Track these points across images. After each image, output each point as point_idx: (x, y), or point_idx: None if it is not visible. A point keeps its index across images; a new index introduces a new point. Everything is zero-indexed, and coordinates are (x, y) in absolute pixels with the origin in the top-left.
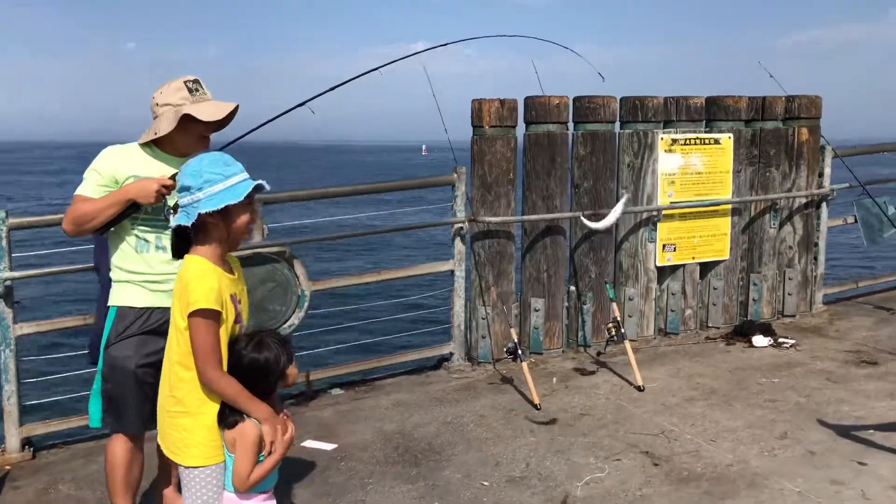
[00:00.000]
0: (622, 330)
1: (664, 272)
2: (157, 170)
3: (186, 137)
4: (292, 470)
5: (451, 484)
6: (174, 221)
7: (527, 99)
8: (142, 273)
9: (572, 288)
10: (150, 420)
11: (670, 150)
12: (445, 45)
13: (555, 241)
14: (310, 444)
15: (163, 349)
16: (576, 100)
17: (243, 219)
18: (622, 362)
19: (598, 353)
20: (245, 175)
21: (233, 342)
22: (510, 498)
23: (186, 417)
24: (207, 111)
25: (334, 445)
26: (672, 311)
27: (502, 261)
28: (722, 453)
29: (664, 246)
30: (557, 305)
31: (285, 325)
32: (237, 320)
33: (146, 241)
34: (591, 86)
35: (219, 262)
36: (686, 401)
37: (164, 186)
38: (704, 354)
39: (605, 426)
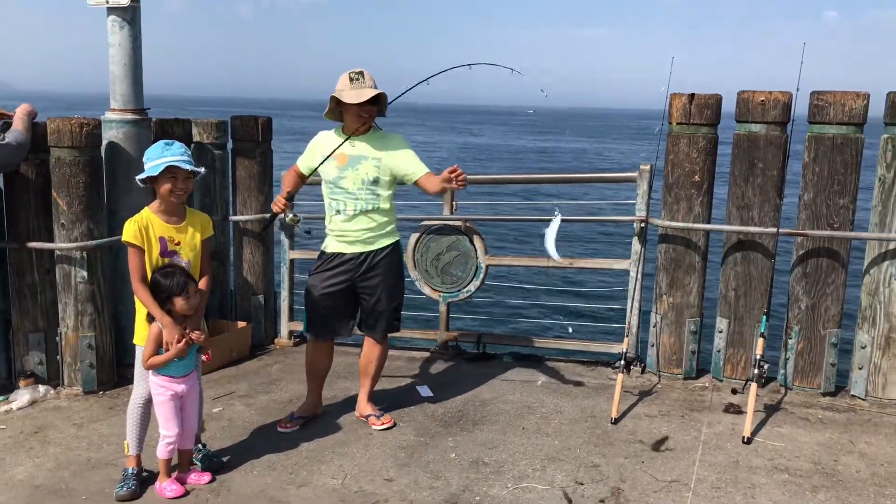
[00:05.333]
0: (756, 370)
1: None
2: (335, 146)
3: (348, 118)
4: (384, 396)
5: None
6: None
7: (738, 94)
8: (331, 229)
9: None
10: (335, 331)
11: None
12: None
13: (747, 258)
14: (420, 388)
15: (340, 282)
16: (810, 96)
17: (166, 187)
18: (800, 414)
19: (779, 401)
20: (173, 158)
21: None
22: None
23: (137, 312)
24: (349, 96)
25: (431, 395)
26: None
27: (678, 269)
28: None
29: None
30: (745, 332)
31: (464, 290)
32: (164, 254)
33: (331, 206)
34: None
35: (160, 213)
36: (784, 474)
37: (280, 202)
38: None
39: (648, 458)
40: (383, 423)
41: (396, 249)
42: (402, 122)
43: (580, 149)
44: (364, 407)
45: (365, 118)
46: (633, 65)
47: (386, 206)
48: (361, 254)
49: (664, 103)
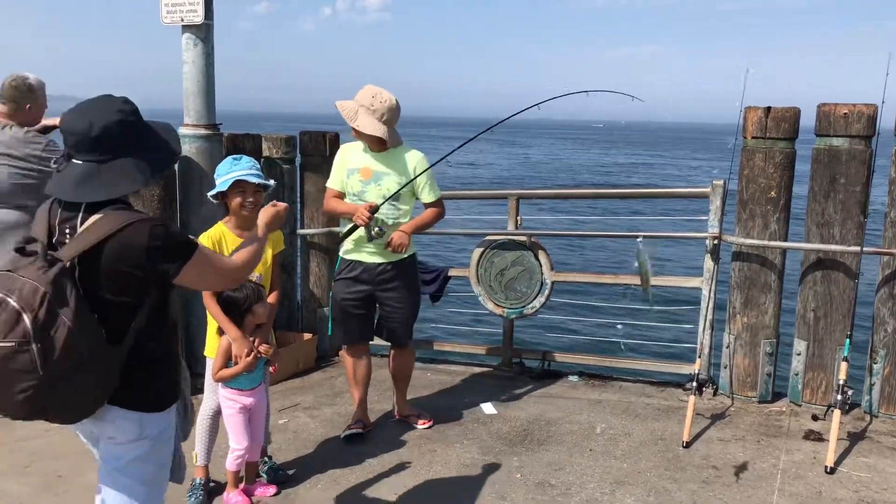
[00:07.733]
0: (840, 396)
1: None
2: (364, 161)
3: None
4: (447, 411)
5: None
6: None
7: (818, 107)
8: (352, 238)
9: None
10: (363, 335)
11: None
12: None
13: (828, 278)
14: (483, 405)
15: (360, 290)
16: None
17: (236, 201)
18: (887, 443)
19: (864, 428)
20: (241, 172)
21: None
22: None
23: (208, 324)
24: (363, 124)
25: (495, 412)
26: None
27: (752, 288)
28: None
29: None
30: (826, 354)
31: (528, 307)
32: None
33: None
34: None
35: (232, 228)
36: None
37: (364, 215)
38: None
39: (722, 485)
40: (423, 423)
41: (413, 261)
42: (460, 136)
43: (648, 163)
44: (403, 407)
45: (379, 141)
46: (694, 79)
47: (405, 220)
48: (380, 264)
49: (738, 117)
